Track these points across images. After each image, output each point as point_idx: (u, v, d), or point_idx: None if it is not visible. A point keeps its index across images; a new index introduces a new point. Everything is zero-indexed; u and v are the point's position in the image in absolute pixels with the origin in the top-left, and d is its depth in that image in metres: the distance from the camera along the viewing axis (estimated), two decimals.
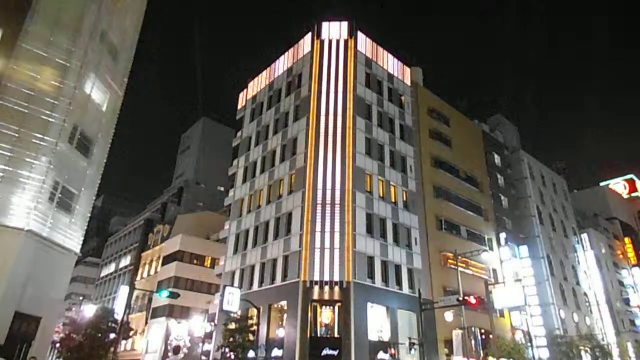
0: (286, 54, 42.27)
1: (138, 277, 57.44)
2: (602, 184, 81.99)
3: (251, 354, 29.34)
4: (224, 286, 31.82)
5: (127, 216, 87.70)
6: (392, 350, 29.50)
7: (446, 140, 44.23)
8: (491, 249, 42.55)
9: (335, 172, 32.84)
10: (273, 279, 32.59)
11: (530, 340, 39.78)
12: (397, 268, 33.22)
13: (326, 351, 27.46)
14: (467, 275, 36.17)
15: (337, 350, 27.36)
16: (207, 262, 51.89)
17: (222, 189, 76.10)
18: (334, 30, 38.56)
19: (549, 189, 56.78)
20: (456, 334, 31.44)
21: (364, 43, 39.46)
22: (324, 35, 38.33)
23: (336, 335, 28.47)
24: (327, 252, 30.22)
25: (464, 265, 36.62)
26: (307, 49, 38.90)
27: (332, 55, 37.46)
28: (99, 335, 32.60)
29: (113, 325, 33.53)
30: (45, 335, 19.06)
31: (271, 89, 42.80)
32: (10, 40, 18.00)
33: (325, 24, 38.77)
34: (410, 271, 34.02)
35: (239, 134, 46.06)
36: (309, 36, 39.27)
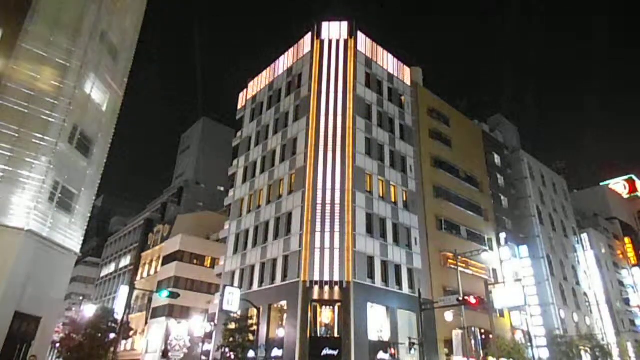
0: (286, 54, 42.28)
1: (138, 277, 57.45)
2: (602, 184, 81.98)
3: (251, 354, 29.34)
4: (224, 286, 31.82)
5: (127, 216, 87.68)
6: (392, 350, 29.50)
7: (446, 140, 44.23)
8: (491, 249, 42.56)
9: (335, 172, 32.84)
10: (273, 279, 32.59)
11: (530, 340, 39.79)
12: (397, 268, 33.23)
13: (326, 351, 27.47)
14: (467, 275, 36.17)
15: (337, 350, 27.36)
16: (207, 262, 51.90)
17: (222, 189, 76.11)
18: (334, 30, 38.57)
19: (549, 189, 56.78)
20: (456, 334, 31.43)
21: (364, 43, 39.46)
22: (324, 35, 38.34)
23: (336, 335, 28.48)
24: (327, 252, 30.23)
25: (464, 265, 36.62)
26: (307, 49, 38.91)
27: (332, 55, 37.46)
28: (99, 335, 32.61)
29: (113, 325, 33.54)
30: (45, 335, 19.04)
31: (271, 89, 42.80)
32: (10, 40, 17.99)
33: (325, 24, 38.78)
34: (410, 271, 34.02)
35: (239, 134, 46.07)
36: (309, 36, 39.27)
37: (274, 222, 34.81)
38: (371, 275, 31.15)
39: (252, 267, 35.22)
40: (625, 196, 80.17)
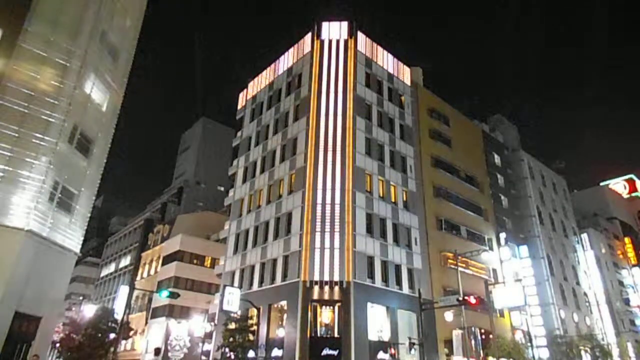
0: (286, 54, 42.29)
1: (138, 277, 57.43)
2: (602, 184, 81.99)
3: (251, 354, 29.35)
4: (224, 286, 31.83)
5: (127, 216, 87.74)
6: (392, 350, 29.50)
7: (446, 140, 44.24)
8: (491, 249, 42.56)
9: (335, 172, 32.84)
10: (273, 279, 32.59)
11: (530, 340, 39.82)
12: (397, 268, 33.23)
13: (326, 351, 27.47)
14: (467, 275, 36.18)
15: (337, 350, 27.37)
16: (207, 262, 51.91)
17: (222, 189, 76.22)
18: (334, 30, 38.57)
19: (549, 189, 56.79)
20: (456, 334, 31.47)
21: (364, 43, 39.46)
22: (324, 35, 38.34)
23: (336, 335, 28.48)
24: (327, 252, 30.23)
25: (464, 265, 36.62)
26: (307, 49, 38.91)
27: (332, 55, 37.47)
28: (99, 335, 32.65)
29: (113, 325, 33.57)
30: (45, 335, 19.04)
31: (271, 89, 42.81)
32: (10, 40, 17.98)
33: (325, 24, 38.79)
34: (410, 271, 34.03)
35: (239, 134, 46.07)
36: (309, 36, 39.28)
37: (274, 222, 34.81)
38: (371, 275, 31.16)
39: (252, 267, 35.22)
40: (625, 196, 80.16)
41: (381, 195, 34.85)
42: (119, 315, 33.64)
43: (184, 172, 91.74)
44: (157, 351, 27.06)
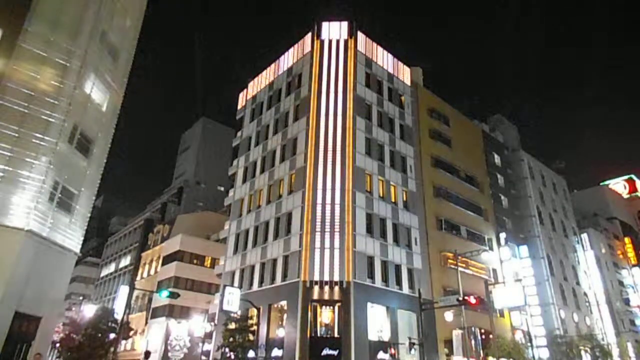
0: (286, 54, 42.29)
1: (138, 277, 57.43)
2: (602, 184, 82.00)
3: (251, 354, 29.36)
4: (224, 286, 31.83)
5: (127, 216, 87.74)
6: (392, 350, 29.50)
7: (446, 140, 44.24)
8: (491, 249, 42.56)
9: (335, 172, 32.84)
10: (273, 279, 32.59)
11: (530, 340, 39.82)
12: (397, 268, 33.23)
13: (326, 351, 27.47)
14: (467, 275, 36.17)
15: (337, 350, 27.37)
16: (207, 262, 51.90)
17: (222, 189, 76.22)
18: (334, 30, 38.57)
19: (549, 189, 56.80)
20: (456, 334, 31.47)
21: (364, 43, 39.46)
22: (324, 35, 38.34)
23: (336, 335, 28.48)
24: (327, 252, 30.23)
25: (464, 265, 36.62)
26: (307, 49, 38.92)
27: (332, 55, 37.47)
28: (99, 335, 32.63)
29: (113, 325, 33.56)
30: (45, 335, 19.04)
31: (271, 89, 42.82)
32: (10, 40, 17.98)
33: (325, 24, 38.79)
34: (410, 271, 34.03)
35: (239, 134, 46.07)
36: (309, 36, 39.28)
37: (274, 222, 34.81)
38: (371, 275, 31.16)
39: (252, 267, 35.22)
40: (625, 196, 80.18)
41: (381, 195, 34.85)
42: (119, 315, 33.64)
43: (184, 172, 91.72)
44: (147, 354, 27.07)
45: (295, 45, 41.16)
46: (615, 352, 47.67)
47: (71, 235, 19.80)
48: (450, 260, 35.96)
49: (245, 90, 47.76)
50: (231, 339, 29.30)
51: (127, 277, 60.20)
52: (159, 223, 61.95)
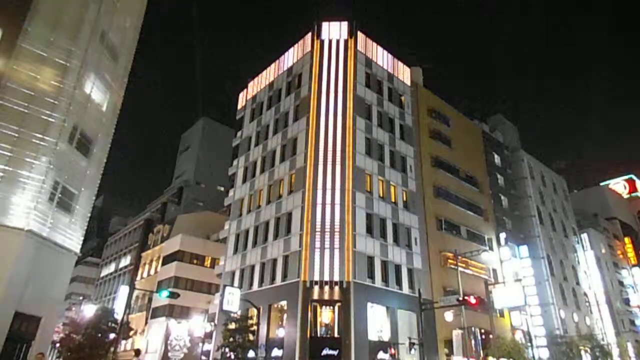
0: (286, 54, 42.29)
1: (138, 277, 57.38)
2: (602, 184, 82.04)
3: (251, 354, 29.35)
4: (224, 286, 31.83)
5: (127, 216, 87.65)
6: (392, 350, 29.50)
7: (446, 140, 44.24)
8: (491, 249, 42.56)
9: (335, 172, 32.84)
10: (273, 279, 32.59)
11: (530, 340, 39.81)
12: (397, 268, 33.23)
13: (326, 351, 27.48)
14: (467, 275, 36.17)
15: (337, 350, 27.37)
16: (207, 262, 51.87)
17: (222, 189, 76.09)
18: (334, 30, 38.57)
19: (549, 189, 56.80)
20: (456, 334, 31.47)
21: (364, 43, 39.46)
22: (324, 35, 38.35)
23: (336, 335, 28.48)
24: (327, 252, 30.23)
25: (464, 265, 36.62)
26: (307, 49, 38.92)
27: (332, 55, 37.47)
28: (99, 335, 32.63)
29: (113, 325, 33.55)
30: (45, 335, 19.04)
31: (271, 89, 42.82)
32: (10, 40, 17.99)
33: (325, 24, 38.79)
34: (410, 271, 34.02)
35: (239, 134, 46.07)
36: (309, 36, 39.28)
37: (274, 222, 34.81)
38: (371, 275, 31.15)
39: (252, 267, 35.22)
40: (625, 196, 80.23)
41: (381, 195, 34.84)
42: (119, 315, 33.64)
43: (184, 172, 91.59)
44: (137, 352, 27.05)
45: (295, 45, 41.17)
46: (615, 352, 47.66)
47: (71, 235, 19.80)
48: (450, 260, 35.96)
49: (245, 90, 47.76)
50: (231, 339, 29.29)
51: (127, 277, 60.18)
52: (159, 223, 61.88)
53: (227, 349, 29.27)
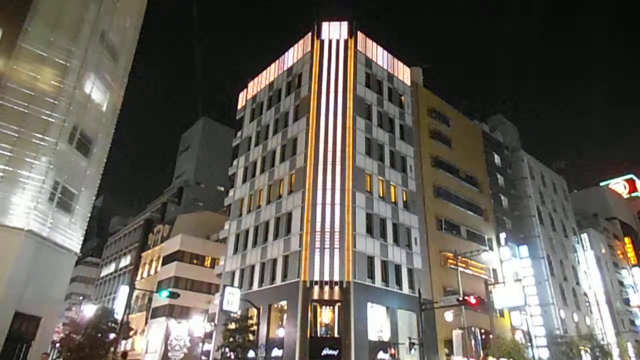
0: (286, 54, 42.29)
1: (138, 277, 57.39)
2: (602, 184, 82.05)
3: (251, 354, 29.35)
4: (224, 286, 31.82)
5: (127, 216, 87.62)
6: (392, 350, 29.50)
7: (446, 140, 44.24)
8: (491, 249, 42.56)
9: (335, 172, 32.84)
10: (273, 279, 32.59)
11: (530, 340, 39.80)
12: (397, 268, 33.22)
13: (326, 351, 27.48)
14: (467, 275, 36.17)
15: (337, 350, 27.37)
16: (207, 262, 51.87)
17: (222, 189, 76.06)
18: (334, 30, 38.57)
19: (549, 189, 56.80)
20: (456, 334, 31.46)
21: (364, 43, 39.46)
22: (324, 35, 38.34)
23: (336, 335, 28.48)
24: (327, 252, 30.22)
25: (464, 265, 36.62)
26: (307, 49, 38.91)
27: (332, 55, 37.47)
28: (99, 335, 32.62)
29: (113, 325, 33.55)
30: (45, 335, 19.05)
31: (271, 89, 42.81)
32: (10, 40, 17.99)
33: (325, 24, 38.79)
34: (410, 271, 34.02)
35: (239, 134, 46.07)
36: (309, 36, 39.28)
37: (274, 222, 34.80)
38: (371, 275, 31.15)
39: (252, 267, 35.21)
40: (625, 196, 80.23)
41: (381, 195, 34.84)
42: (119, 315, 33.64)
43: (184, 172, 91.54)
44: (124, 355, 27.10)
45: (295, 45, 41.16)
46: (615, 352, 47.66)
47: (71, 235, 19.81)
48: (450, 260, 35.96)
49: (245, 90, 47.76)
50: (231, 339, 29.29)
51: (127, 277, 60.18)
52: (159, 223, 61.91)
53: (227, 349, 29.28)
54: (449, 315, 30.81)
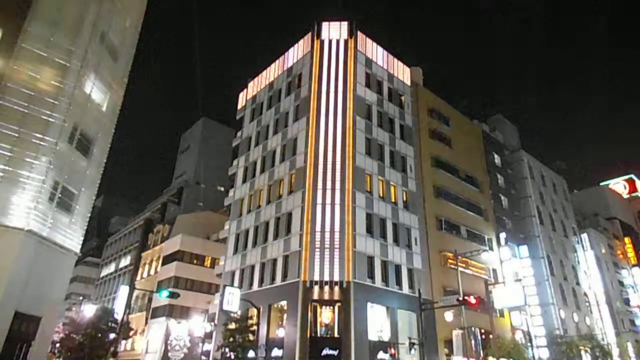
0: (286, 54, 42.29)
1: (138, 277, 57.44)
2: (602, 184, 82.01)
3: (251, 354, 29.35)
4: (224, 286, 31.78)
5: (127, 216, 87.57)
6: (392, 350, 29.50)
7: (446, 140, 44.23)
8: (491, 249, 42.54)
9: (335, 172, 32.83)
10: (273, 279, 32.59)
11: (530, 340, 39.77)
12: (397, 268, 33.22)
13: (326, 351, 27.47)
14: (467, 275, 36.17)
15: (337, 350, 27.36)
16: (207, 262, 51.89)
17: (222, 189, 75.99)
18: (334, 30, 38.56)
19: (549, 189, 56.79)
20: (456, 334, 31.44)
21: (364, 43, 39.46)
22: (324, 35, 38.33)
23: (336, 335, 28.47)
24: (327, 252, 30.22)
25: (464, 265, 36.62)
26: (307, 49, 38.91)
27: (332, 55, 37.45)
28: (99, 335, 32.64)
29: (113, 325, 33.58)
30: (45, 335, 19.06)
31: (271, 89, 42.81)
32: (10, 40, 18.00)
33: (325, 24, 38.77)
34: (410, 271, 34.02)
35: (239, 134, 46.07)
36: (309, 36, 39.27)
37: (274, 222, 34.80)
38: (371, 275, 31.14)
39: (252, 267, 35.21)
40: (625, 196, 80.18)
41: (381, 195, 34.84)
42: (119, 315, 33.66)
43: (184, 172, 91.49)
44: (114, 354, 27.16)
45: (295, 45, 41.16)
46: (615, 352, 47.64)
47: (71, 235, 19.82)
48: (450, 260, 35.96)
49: (245, 90, 47.76)
50: (231, 339, 29.29)
51: (127, 277, 60.17)
52: (159, 223, 61.95)
53: (227, 349, 29.28)
54: (449, 315, 30.79)
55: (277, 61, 43.53)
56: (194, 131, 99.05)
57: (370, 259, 31.60)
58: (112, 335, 32.82)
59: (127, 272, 61.93)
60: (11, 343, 16.59)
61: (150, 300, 51.09)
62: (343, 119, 34.80)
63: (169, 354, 37.33)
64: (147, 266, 57.47)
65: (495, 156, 51.68)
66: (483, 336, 33.92)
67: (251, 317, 31.06)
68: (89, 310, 39.80)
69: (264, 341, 30.33)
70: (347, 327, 28.00)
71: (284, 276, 31.59)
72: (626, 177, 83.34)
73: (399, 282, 32.80)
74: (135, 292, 46.45)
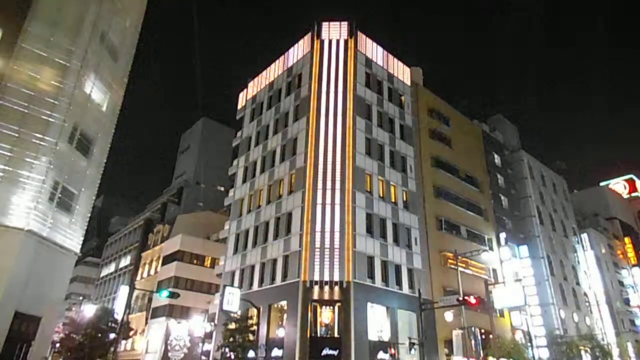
0: (286, 54, 42.29)
1: (138, 277, 57.43)
2: (602, 184, 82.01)
3: (251, 354, 29.35)
4: (224, 286, 31.78)
5: (127, 216, 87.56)
6: (392, 350, 29.50)
7: (446, 140, 44.22)
8: (491, 249, 42.54)
9: (335, 172, 32.83)
10: (273, 279, 32.59)
11: (530, 340, 39.77)
12: (397, 268, 33.22)
13: (326, 351, 27.47)
14: (467, 275, 36.17)
15: (337, 350, 27.36)
16: (207, 262, 51.89)
17: (222, 189, 75.99)
18: (334, 30, 38.56)
19: (549, 189, 56.79)
20: (456, 334, 31.44)
21: (364, 43, 39.46)
22: (324, 35, 38.33)
23: (336, 335, 28.48)
24: (327, 252, 30.22)
25: (464, 265, 36.61)
26: (307, 49, 38.91)
27: (332, 55, 37.46)
28: (99, 335, 32.62)
29: (113, 325, 33.56)
30: (45, 335, 19.07)
31: (271, 89, 42.81)
32: (10, 40, 18.01)
33: (325, 24, 38.77)
34: (410, 271, 34.02)
35: (239, 134, 46.07)
36: (309, 36, 39.27)
37: (274, 222, 34.80)
38: (371, 275, 31.14)
39: (252, 267, 35.21)
40: (625, 196, 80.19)
41: (381, 195, 34.84)
42: (119, 315, 33.63)
43: (184, 172, 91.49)
44: (113, 354, 27.35)
45: (295, 45, 41.16)
46: (615, 352, 47.64)
47: (71, 235, 19.82)
48: (450, 260, 35.96)
49: (245, 90, 47.76)
50: (231, 339, 29.29)
51: (127, 277, 60.17)
52: (159, 223, 61.94)
53: (227, 349, 29.28)
54: (449, 315, 30.79)
55: (277, 61, 43.53)
56: (194, 131, 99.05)
57: (370, 259, 31.60)
58: (112, 335, 32.79)
59: (127, 272, 61.93)
60: (11, 343, 16.60)
61: (150, 300, 51.09)
62: (343, 119, 34.80)
63: (169, 354, 37.33)
64: (147, 266, 57.47)
65: (495, 156, 51.68)
66: (483, 336, 33.91)
67: (251, 317, 31.06)
68: (89, 310, 39.78)
69: (264, 341, 30.33)
70: (347, 327, 28.00)
71: (284, 276, 31.59)
72: (626, 177, 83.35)
73: (399, 282, 32.81)
74: (135, 292, 46.43)
